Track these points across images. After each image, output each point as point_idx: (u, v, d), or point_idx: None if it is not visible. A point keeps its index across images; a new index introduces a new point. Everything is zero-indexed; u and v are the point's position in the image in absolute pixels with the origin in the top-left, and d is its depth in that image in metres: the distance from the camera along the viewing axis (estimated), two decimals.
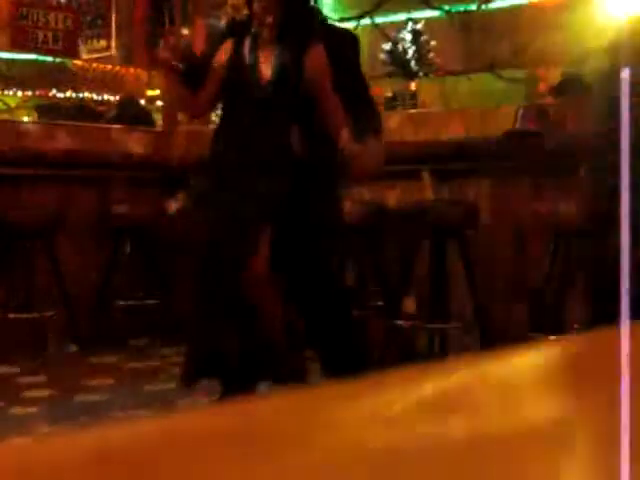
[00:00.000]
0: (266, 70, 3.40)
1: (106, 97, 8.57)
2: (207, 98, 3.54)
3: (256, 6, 3.38)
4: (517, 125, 4.55)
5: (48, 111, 7.64)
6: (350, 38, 3.71)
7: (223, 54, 3.49)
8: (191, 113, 4.02)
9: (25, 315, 5.13)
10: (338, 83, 3.40)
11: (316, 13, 3.67)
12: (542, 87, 6.74)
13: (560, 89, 5.73)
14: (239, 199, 3.39)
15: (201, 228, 3.60)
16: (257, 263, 3.34)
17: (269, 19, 3.35)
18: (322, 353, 3.59)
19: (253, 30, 3.44)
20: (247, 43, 3.45)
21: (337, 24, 4.14)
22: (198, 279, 3.61)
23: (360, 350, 3.68)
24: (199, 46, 6.28)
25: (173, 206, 5.68)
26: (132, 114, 6.70)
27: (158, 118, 7.24)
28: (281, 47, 3.39)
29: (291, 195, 3.38)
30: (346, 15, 8.89)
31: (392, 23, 8.39)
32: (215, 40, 3.86)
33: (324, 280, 3.56)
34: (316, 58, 3.39)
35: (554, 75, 6.90)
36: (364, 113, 3.45)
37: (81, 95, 8.51)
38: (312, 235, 3.47)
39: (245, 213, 3.36)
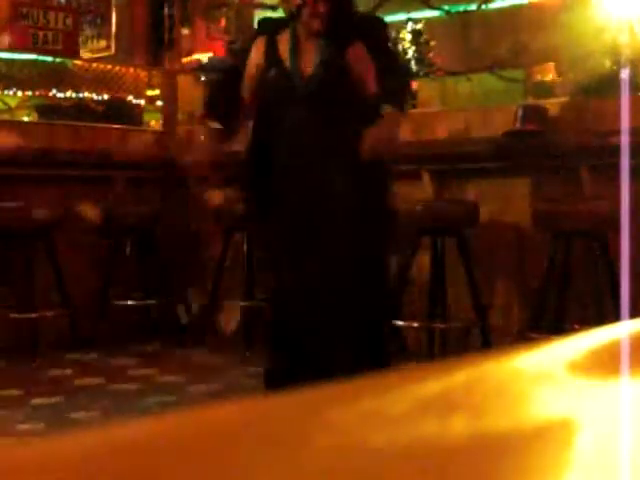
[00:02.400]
0: (308, 65, 3.32)
1: (106, 97, 8.57)
2: (247, 101, 3.45)
3: None
4: (517, 125, 4.55)
5: (48, 111, 7.64)
6: (380, 22, 3.67)
7: (255, 52, 3.40)
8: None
9: (25, 315, 5.13)
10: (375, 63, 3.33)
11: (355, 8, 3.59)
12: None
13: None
14: (312, 205, 3.30)
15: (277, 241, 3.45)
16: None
17: (322, 7, 3.25)
18: (357, 351, 3.52)
19: (293, 24, 3.35)
20: (283, 39, 3.37)
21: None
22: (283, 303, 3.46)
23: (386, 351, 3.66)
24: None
25: (216, 199, 5.44)
26: (119, 114, 6.70)
27: (159, 118, 7.24)
28: (324, 41, 3.31)
29: (355, 192, 3.31)
30: None
31: (392, 23, 8.38)
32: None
33: (380, 276, 3.51)
34: (357, 54, 3.32)
35: (554, 75, 6.89)
36: (392, 79, 3.33)
37: (81, 95, 8.51)
38: (374, 232, 3.41)
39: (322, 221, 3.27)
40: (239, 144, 3.55)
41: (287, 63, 3.34)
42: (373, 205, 3.37)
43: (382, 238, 3.49)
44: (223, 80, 3.72)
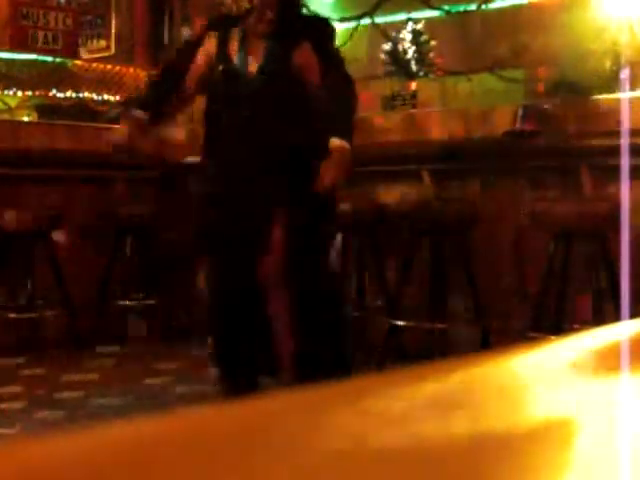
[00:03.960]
0: (255, 64, 3.48)
1: (106, 97, 8.57)
2: (191, 90, 3.65)
3: (257, 1, 3.44)
4: (517, 125, 4.55)
5: (48, 111, 7.64)
6: (326, 24, 3.80)
7: (209, 46, 3.56)
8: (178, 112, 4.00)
9: (25, 315, 5.12)
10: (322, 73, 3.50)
11: (301, 11, 3.85)
12: (541, 87, 6.74)
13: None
14: (247, 197, 3.44)
15: (210, 229, 3.64)
16: (269, 262, 3.40)
17: (269, 14, 3.43)
18: (307, 347, 3.63)
19: (242, 25, 3.51)
20: (234, 38, 3.52)
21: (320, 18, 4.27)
22: (213, 280, 3.69)
23: (344, 350, 3.73)
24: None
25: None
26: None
27: None
28: (272, 42, 3.47)
29: (293, 188, 3.46)
30: (346, 15, 8.88)
31: (392, 23, 8.38)
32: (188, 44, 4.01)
33: (321, 270, 3.60)
34: (304, 54, 3.47)
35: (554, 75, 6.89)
36: (341, 105, 3.49)
37: (81, 95, 8.51)
38: (312, 226, 3.52)
39: (255, 212, 3.43)
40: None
41: (235, 61, 3.50)
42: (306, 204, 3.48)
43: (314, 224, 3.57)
44: (159, 79, 3.87)
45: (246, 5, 3.49)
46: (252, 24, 3.48)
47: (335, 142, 3.34)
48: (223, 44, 3.53)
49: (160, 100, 3.71)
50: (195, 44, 3.70)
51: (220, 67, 3.51)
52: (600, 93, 4.70)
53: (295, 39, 3.50)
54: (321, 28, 3.70)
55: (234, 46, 3.51)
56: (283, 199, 3.45)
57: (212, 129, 3.57)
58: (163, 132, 4.31)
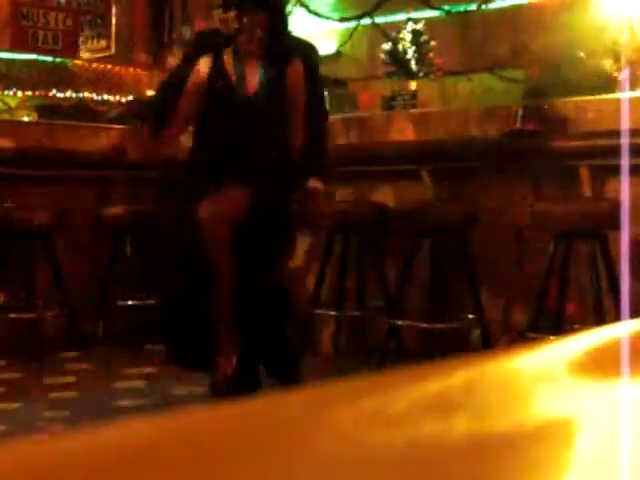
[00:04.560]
0: (251, 83, 3.61)
1: (106, 97, 8.57)
2: (185, 113, 3.73)
3: (247, 21, 3.55)
4: (517, 125, 4.55)
5: (48, 111, 7.65)
6: (314, 50, 4.03)
7: (203, 67, 3.69)
8: (170, 135, 4.06)
9: (25, 315, 5.12)
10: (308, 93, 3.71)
11: (289, 31, 3.98)
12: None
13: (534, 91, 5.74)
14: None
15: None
16: (208, 207, 3.50)
17: (259, 34, 3.55)
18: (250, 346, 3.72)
19: (233, 44, 3.61)
20: (228, 56, 3.65)
21: (309, 30, 4.53)
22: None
23: (291, 351, 3.85)
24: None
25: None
26: (137, 114, 6.69)
27: None
28: (266, 61, 3.61)
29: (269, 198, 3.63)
30: (346, 15, 8.89)
31: (392, 23, 8.38)
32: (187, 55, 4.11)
33: (267, 273, 3.67)
34: (295, 73, 3.65)
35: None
36: (318, 138, 3.77)
37: (81, 95, 8.51)
38: (271, 231, 3.65)
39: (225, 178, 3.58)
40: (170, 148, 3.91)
41: (232, 78, 3.63)
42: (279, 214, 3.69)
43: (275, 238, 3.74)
44: (163, 97, 4.00)
45: (235, 25, 3.59)
46: (243, 43, 3.59)
47: (313, 183, 3.67)
48: (219, 61, 3.64)
49: (164, 110, 3.82)
50: (187, 64, 3.80)
51: (219, 82, 3.62)
52: (600, 93, 4.70)
53: (286, 57, 3.64)
54: (309, 50, 3.91)
55: (229, 65, 3.63)
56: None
57: (209, 141, 3.70)
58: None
